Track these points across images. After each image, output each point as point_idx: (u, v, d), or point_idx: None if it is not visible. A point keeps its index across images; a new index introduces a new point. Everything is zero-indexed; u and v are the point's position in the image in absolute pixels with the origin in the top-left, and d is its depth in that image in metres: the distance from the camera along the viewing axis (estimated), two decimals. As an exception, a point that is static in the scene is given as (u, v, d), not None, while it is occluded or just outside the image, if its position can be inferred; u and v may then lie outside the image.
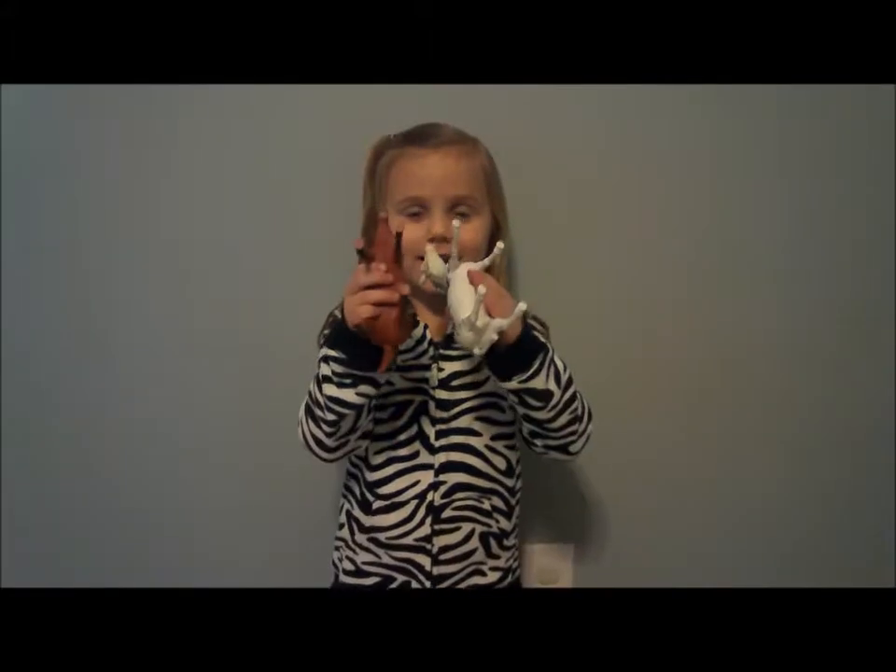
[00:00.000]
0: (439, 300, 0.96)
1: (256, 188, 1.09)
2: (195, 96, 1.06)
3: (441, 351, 0.94)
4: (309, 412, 0.90)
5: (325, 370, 0.86)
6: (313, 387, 0.89)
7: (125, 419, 1.13)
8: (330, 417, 0.87)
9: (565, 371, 0.88)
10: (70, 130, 1.07)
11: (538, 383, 0.84)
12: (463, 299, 0.80)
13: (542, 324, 1.00)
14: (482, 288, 0.76)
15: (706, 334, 1.19)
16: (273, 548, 1.15)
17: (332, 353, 0.84)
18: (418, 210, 0.92)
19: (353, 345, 0.82)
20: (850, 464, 1.25)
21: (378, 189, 0.96)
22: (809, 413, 1.23)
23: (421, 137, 0.93)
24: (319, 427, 0.89)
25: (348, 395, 0.85)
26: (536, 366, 0.83)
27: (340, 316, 0.85)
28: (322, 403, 0.87)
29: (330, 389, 0.85)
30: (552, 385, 0.85)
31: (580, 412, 0.90)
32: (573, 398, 0.88)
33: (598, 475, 1.19)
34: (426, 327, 0.95)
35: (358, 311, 0.79)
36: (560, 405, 0.87)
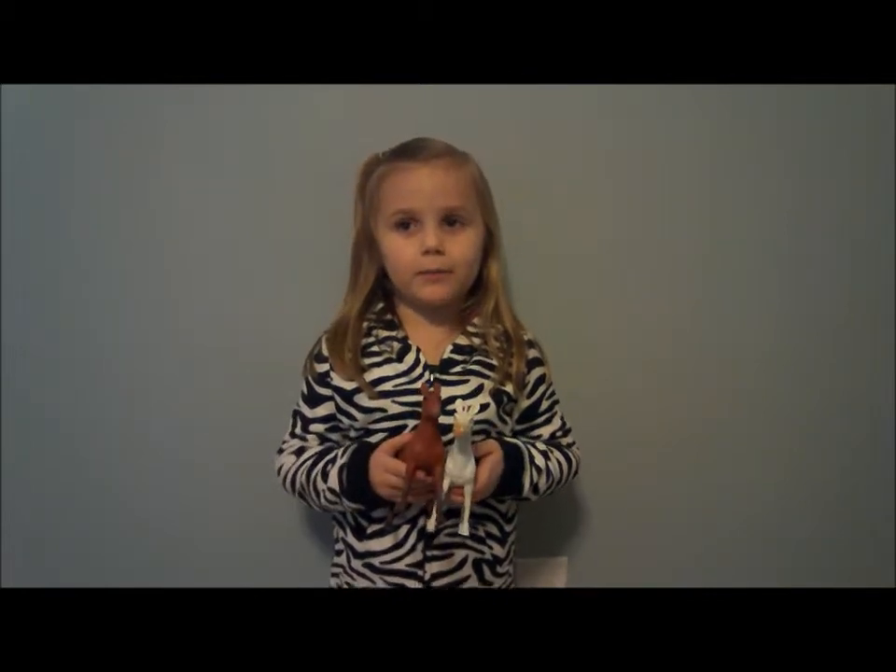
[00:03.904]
0: (435, 316, 0.97)
1: (257, 188, 1.09)
2: (196, 96, 1.06)
3: (437, 375, 0.93)
4: (299, 494, 0.97)
5: (328, 496, 0.92)
6: (307, 486, 0.94)
7: (124, 420, 1.12)
8: (321, 511, 0.97)
9: (548, 477, 0.95)
10: (70, 130, 1.06)
11: (512, 500, 0.97)
12: (453, 470, 0.85)
13: (538, 347, 1.01)
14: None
15: (704, 338, 1.19)
16: (273, 548, 1.15)
17: (351, 504, 0.91)
18: (410, 223, 0.92)
19: (373, 500, 0.89)
20: (850, 464, 1.25)
21: (369, 205, 0.96)
22: (809, 415, 1.23)
23: (410, 151, 0.93)
24: (308, 505, 0.97)
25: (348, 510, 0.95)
26: (507, 500, 0.96)
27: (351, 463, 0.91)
28: (319, 505, 0.95)
29: (335, 506, 0.93)
30: (529, 495, 0.95)
31: (559, 482, 0.98)
32: (549, 486, 0.96)
33: (591, 487, 1.19)
34: (418, 350, 0.95)
35: (382, 491, 0.87)
36: (535, 500, 0.97)
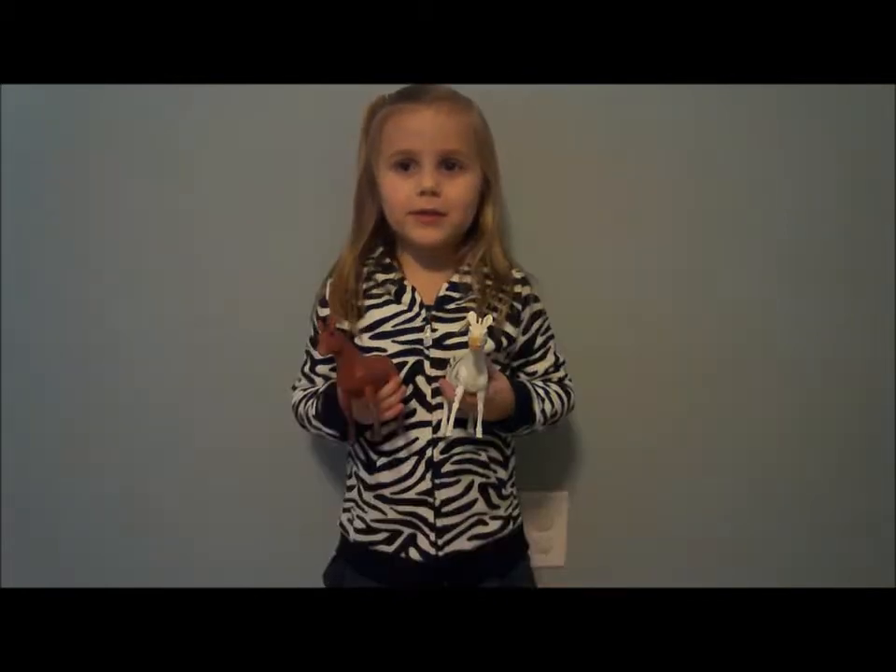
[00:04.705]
0: (432, 261, 0.98)
1: (256, 188, 1.09)
2: (195, 96, 1.06)
3: (433, 313, 0.96)
4: (301, 425, 1.02)
5: (315, 422, 0.98)
6: (304, 417, 0.99)
7: (125, 419, 1.13)
8: (317, 436, 1.02)
9: (552, 405, 0.97)
10: (70, 130, 1.06)
11: (521, 432, 0.98)
12: (467, 378, 0.87)
13: (532, 284, 1.02)
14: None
15: (704, 338, 1.19)
16: (274, 549, 1.15)
17: (327, 430, 0.97)
18: (409, 163, 0.93)
19: (346, 427, 0.93)
20: (850, 464, 1.25)
21: (371, 146, 0.97)
22: (809, 413, 1.23)
23: (415, 93, 0.95)
24: (309, 432, 1.02)
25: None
26: (520, 429, 0.97)
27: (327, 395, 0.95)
28: (316, 433, 1.00)
29: (320, 433, 0.98)
30: (539, 426, 0.97)
31: (560, 413, 1.00)
32: (553, 416, 0.99)
33: (591, 422, 1.19)
34: (414, 290, 0.97)
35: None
36: (541, 431, 0.99)
